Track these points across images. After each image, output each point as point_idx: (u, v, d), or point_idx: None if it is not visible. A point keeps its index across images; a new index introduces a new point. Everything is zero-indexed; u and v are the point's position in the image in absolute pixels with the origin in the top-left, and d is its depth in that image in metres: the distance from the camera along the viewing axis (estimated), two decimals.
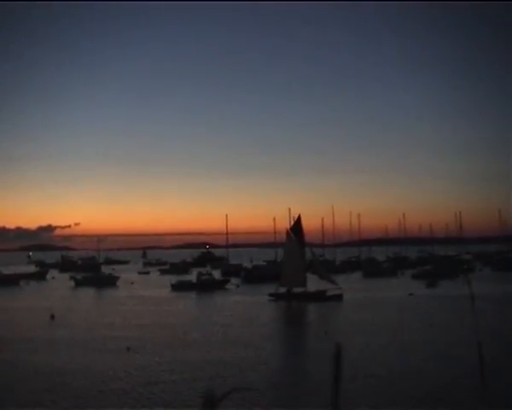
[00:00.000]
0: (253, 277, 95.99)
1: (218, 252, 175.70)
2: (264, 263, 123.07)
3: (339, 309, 57.04)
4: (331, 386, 5.74)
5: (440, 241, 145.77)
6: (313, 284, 66.20)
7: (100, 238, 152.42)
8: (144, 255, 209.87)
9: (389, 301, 62.32)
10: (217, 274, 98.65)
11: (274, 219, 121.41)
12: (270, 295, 65.98)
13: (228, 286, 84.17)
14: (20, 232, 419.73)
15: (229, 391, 5.20)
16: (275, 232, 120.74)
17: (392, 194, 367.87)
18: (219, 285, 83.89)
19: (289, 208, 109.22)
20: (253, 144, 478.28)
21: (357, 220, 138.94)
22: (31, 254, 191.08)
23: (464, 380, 25.87)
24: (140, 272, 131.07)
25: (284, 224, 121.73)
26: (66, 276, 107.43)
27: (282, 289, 65.47)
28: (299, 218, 69.42)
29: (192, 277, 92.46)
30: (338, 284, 65.40)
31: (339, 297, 62.71)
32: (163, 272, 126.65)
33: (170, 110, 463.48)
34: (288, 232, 69.33)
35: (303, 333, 45.89)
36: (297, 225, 68.74)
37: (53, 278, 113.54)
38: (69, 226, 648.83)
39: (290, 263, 65.97)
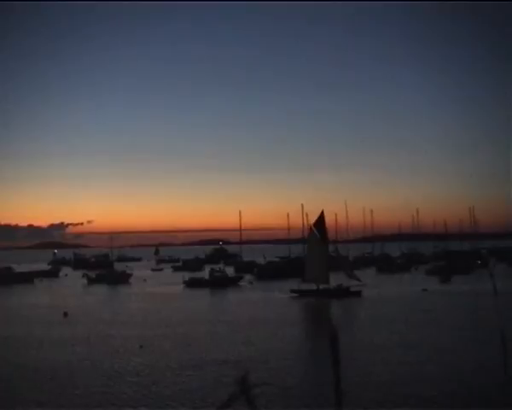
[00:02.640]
0: (267, 273, 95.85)
1: (231, 249, 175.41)
2: (278, 259, 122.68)
3: (358, 306, 56.81)
4: (332, 369, 5.67)
5: (454, 236, 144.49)
6: (335, 280, 65.48)
7: (112, 236, 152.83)
8: (157, 252, 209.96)
9: (403, 296, 61.99)
10: (230, 271, 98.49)
11: (287, 215, 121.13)
12: (292, 291, 65.77)
13: (241, 283, 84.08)
14: (32, 230, 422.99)
15: (249, 388, 5.06)
16: (288, 229, 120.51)
17: (405, 190, 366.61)
18: (232, 282, 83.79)
19: (302, 205, 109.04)
20: (267, 141, 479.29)
21: (371, 217, 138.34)
22: (56, 251, 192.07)
23: (479, 380, 25.56)
24: (153, 269, 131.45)
25: (298, 220, 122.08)
26: (78, 273, 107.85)
27: (305, 286, 65.25)
28: (322, 214, 68.65)
29: (205, 274, 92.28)
30: (362, 280, 65.10)
31: (358, 294, 62.62)
32: (176, 268, 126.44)
33: (181, 107, 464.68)
34: (310, 228, 69.02)
35: (317, 331, 45.56)
36: (320, 221, 68.30)
37: (66, 275, 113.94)
38: (81, 224, 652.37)
39: (313, 259, 65.83)
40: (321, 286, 64.25)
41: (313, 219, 70.10)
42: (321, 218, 68.59)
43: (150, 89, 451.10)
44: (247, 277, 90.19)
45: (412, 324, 42.92)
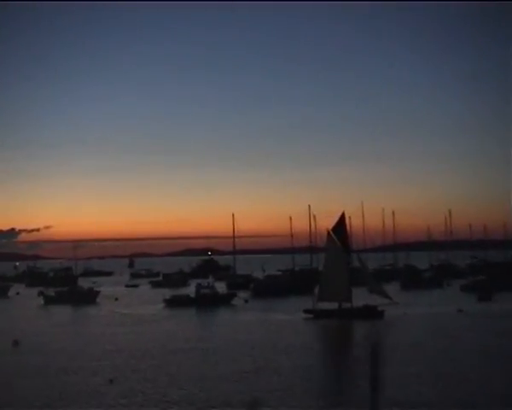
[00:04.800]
0: (266, 290, 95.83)
1: (222, 260, 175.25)
2: (279, 273, 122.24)
3: (380, 329, 56.94)
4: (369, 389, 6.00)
5: (497, 244, 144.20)
6: (358, 297, 65.27)
7: (76, 244, 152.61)
8: (132, 265, 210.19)
9: (434, 318, 61.82)
10: (221, 287, 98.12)
11: (290, 219, 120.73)
12: (306, 311, 65.47)
13: (234, 301, 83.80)
14: None
15: None
16: (292, 235, 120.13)
17: (435, 187, 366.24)
18: (224, 300, 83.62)
19: (309, 206, 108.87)
20: (265, 131, 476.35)
21: (392, 220, 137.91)
22: (17, 264, 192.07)
23: None
24: (127, 286, 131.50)
25: (303, 225, 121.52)
26: (34, 291, 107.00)
27: (322, 305, 64.95)
28: (342, 216, 68.28)
29: (190, 290, 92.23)
30: (392, 298, 65.18)
31: (380, 315, 62.53)
32: (155, 284, 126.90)
33: (165, 97, 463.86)
34: (328, 234, 68.26)
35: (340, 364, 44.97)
36: (340, 225, 67.78)
37: (17, 294, 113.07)
38: (37, 230, 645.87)
39: (332, 272, 65.48)
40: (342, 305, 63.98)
41: (322, 222, 69.70)
42: (341, 221, 68.01)
43: (132, 78, 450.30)
44: (242, 294, 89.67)
45: (444, 353, 42.40)
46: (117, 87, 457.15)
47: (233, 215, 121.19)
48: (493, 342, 46.49)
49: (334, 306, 64.07)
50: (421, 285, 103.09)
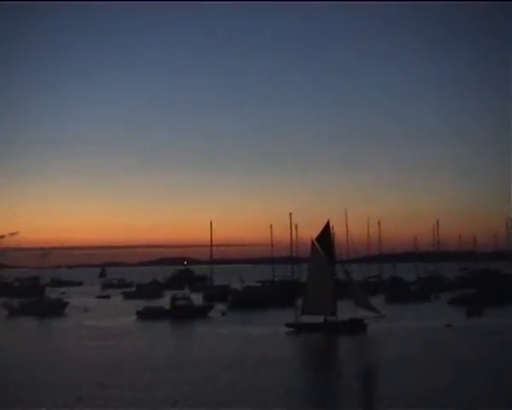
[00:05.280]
0: (244, 302, 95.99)
1: (198, 270, 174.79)
2: (259, 284, 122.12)
3: (362, 344, 57.27)
4: None
5: (487, 256, 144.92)
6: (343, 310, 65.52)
7: (44, 252, 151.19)
8: (103, 274, 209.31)
9: (419, 334, 61.62)
10: (197, 298, 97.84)
11: (271, 227, 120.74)
12: (288, 325, 65.12)
13: (211, 314, 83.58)
14: None
15: None
16: (272, 245, 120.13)
17: (423, 195, 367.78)
18: (200, 313, 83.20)
19: (290, 214, 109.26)
20: (245, 131, 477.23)
21: (378, 229, 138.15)
22: None
23: None
24: (98, 296, 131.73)
25: (284, 233, 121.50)
26: None
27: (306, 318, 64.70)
28: (327, 225, 68.23)
29: (165, 302, 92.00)
30: (379, 311, 65.54)
31: (363, 329, 62.71)
32: (127, 295, 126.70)
33: (137, 95, 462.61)
34: (313, 244, 68.17)
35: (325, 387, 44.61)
36: (325, 235, 67.76)
37: None
38: (2, 237, 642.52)
39: (316, 284, 65.56)
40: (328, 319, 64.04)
41: (304, 231, 69.75)
42: (326, 230, 68.05)
43: (101, 78, 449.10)
44: (219, 306, 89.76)
45: (429, 373, 41.93)
46: (88, 87, 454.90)
47: (211, 223, 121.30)
48: (481, 359, 46.23)
49: (318, 319, 63.96)
50: (408, 298, 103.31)
